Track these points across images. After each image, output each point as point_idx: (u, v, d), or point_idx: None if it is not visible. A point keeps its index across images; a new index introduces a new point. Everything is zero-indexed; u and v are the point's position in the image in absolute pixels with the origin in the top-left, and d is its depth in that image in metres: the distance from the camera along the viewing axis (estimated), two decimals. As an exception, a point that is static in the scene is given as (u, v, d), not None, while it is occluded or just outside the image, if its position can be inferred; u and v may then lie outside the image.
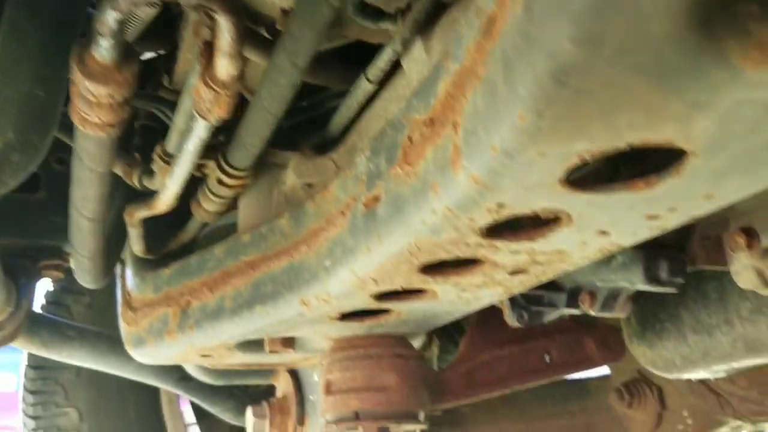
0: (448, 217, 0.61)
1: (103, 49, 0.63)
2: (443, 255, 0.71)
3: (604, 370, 1.79)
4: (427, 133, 0.64)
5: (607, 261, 0.87)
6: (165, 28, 1.22)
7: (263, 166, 1.15)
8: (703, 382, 1.48)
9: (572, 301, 0.98)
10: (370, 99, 1.02)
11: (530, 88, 0.42)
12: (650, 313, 1.32)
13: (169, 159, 1.02)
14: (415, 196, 0.65)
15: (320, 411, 1.12)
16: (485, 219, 0.61)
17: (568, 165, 0.51)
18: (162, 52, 1.31)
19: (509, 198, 0.57)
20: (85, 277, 1.11)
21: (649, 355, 1.32)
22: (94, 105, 0.67)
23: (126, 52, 0.65)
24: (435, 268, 0.77)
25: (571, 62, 0.39)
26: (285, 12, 0.83)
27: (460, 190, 0.58)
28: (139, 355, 1.24)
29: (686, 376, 1.31)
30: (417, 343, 1.29)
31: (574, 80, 0.40)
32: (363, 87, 0.97)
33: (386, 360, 1.07)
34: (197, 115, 0.75)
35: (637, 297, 1.37)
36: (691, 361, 1.25)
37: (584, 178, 0.57)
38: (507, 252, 0.71)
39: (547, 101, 0.43)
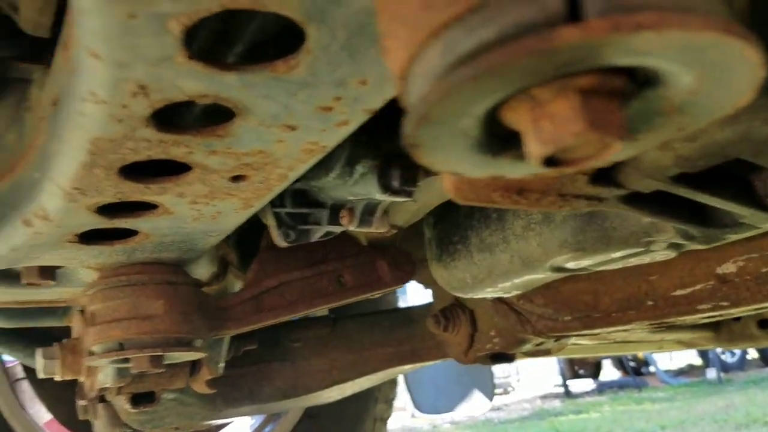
0: (98, 103, 0.56)
1: None
2: (132, 156, 0.66)
3: (428, 297, 1.83)
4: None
5: (349, 174, 0.86)
6: None
7: (7, 81, 1.04)
8: (505, 302, 1.54)
9: (334, 218, 0.97)
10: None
11: None
12: (446, 236, 1.34)
13: None
14: (70, 84, 0.59)
15: (86, 344, 1.06)
16: (141, 106, 0.56)
17: (174, 32, 0.46)
18: None
19: (144, 76, 0.52)
20: None
21: (446, 277, 1.35)
22: None
23: None
24: (141, 174, 0.71)
25: None
26: None
27: (89, 70, 0.52)
28: None
29: (478, 294, 1.35)
30: (206, 271, 1.24)
31: None
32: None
33: (152, 287, 1.01)
34: None
35: (436, 221, 1.39)
36: (480, 279, 1.29)
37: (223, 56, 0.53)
38: (205, 153, 0.67)
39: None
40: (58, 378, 1.34)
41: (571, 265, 1.16)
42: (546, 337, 1.58)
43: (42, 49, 1.04)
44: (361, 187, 0.87)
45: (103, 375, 1.31)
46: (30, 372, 2.25)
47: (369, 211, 0.94)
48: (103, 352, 1.03)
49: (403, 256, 1.28)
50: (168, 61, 0.49)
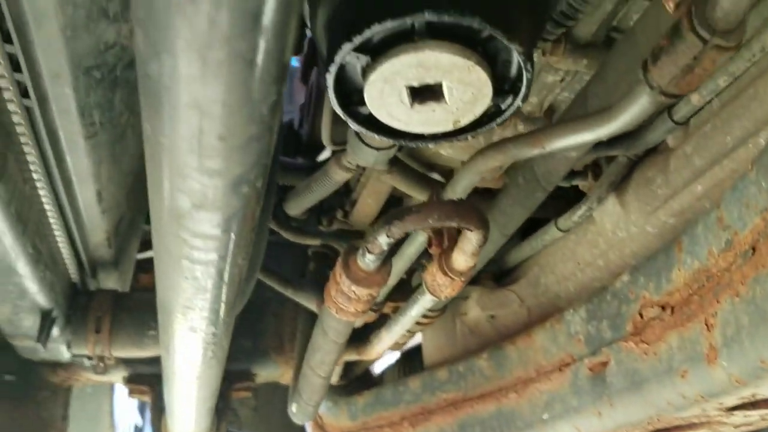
0: (699, 401, 0.66)
1: (370, 262, 0.75)
2: (678, 422, 0.75)
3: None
4: (666, 317, 0.69)
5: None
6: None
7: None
8: None
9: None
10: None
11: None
12: None
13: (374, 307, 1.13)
14: (658, 376, 0.69)
15: None
16: (734, 402, 0.65)
17: None
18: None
19: (765, 390, 0.60)
20: (303, 418, 1.23)
21: None
22: (353, 300, 0.78)
23: (385, 258, 0.76)
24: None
25: None
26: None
27: (715, 383, 0.62)
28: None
29: None
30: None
31: None
32: (552, 234, 1.04)
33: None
34: (428, 292, 0.84)
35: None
36: None
37: None
38: (741, 416, 0.74)
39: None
40: None
41: None
42: None
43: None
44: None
45: None
46: None
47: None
48: None
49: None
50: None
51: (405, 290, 1.20)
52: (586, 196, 0.96)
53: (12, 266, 0.87)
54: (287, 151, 1.61)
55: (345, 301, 0.79)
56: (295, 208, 1.46)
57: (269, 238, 1.50)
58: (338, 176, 1.14)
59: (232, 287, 0.68)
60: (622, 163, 0.91)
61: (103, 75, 0.67)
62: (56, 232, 1.08)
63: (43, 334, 1.17)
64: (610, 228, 0.96)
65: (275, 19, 0.35)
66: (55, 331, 1.22)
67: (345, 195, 1.45)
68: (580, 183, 0.98)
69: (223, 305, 0.72)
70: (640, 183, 0.90)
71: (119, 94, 0.74)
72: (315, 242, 1.49)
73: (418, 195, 1.09)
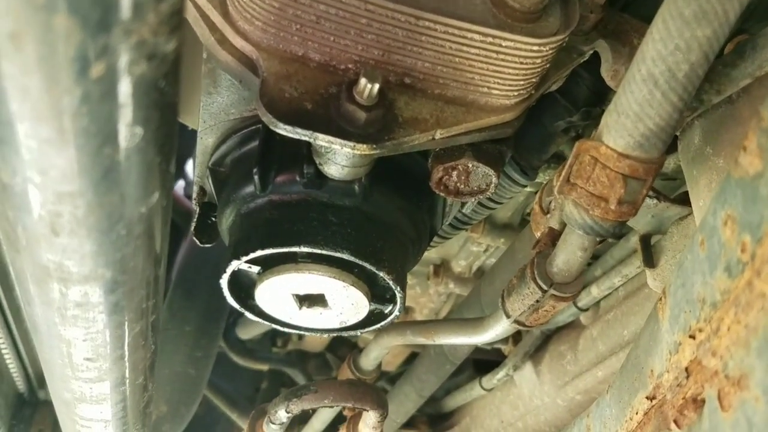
0: None
1: (273, 430, 0.79)
2: None
3: None
4: None
5: None
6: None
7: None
8: None
9: None
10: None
11: None
12: None
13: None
14: None
15: None
16: None
17: None
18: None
19: None
20: None
21: None
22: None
23: (287, 429, 0.80)
24: None
25: None
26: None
27: None
28: None
29: None
30: None
31: None
32: (477, 391, 1.08)
33: None
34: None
35: None
36: None
37: None
38: None
39: None
40: None
41: None
42: None
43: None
44: None
45: None
46: None
47: None
48: None
49: None
50: None
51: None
52: (505, 361, 1.00)
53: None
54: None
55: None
56: (248, 332, 1.50)
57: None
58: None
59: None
60: (536, 335, 0.96)
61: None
62: (3, 349, 1.13)
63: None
64: (527, 393, 1.00)
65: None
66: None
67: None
68: (501, 346, 1.02)
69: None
70: (553, 356, 0.95)
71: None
72: (263, 367, 1.52)
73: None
